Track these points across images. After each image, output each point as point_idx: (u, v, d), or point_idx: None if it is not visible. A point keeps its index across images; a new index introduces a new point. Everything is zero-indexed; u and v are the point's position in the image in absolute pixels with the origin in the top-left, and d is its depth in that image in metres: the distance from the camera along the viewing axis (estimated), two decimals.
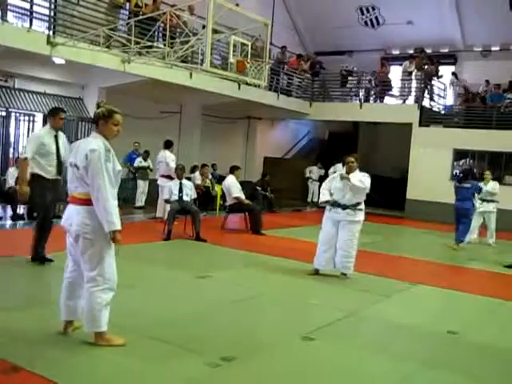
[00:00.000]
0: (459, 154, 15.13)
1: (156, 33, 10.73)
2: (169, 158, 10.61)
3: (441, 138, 14.96)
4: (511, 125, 14.10)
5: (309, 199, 17.65)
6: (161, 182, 10.57)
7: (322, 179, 7.57)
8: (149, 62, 9.95)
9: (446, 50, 18.87)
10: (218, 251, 8.27)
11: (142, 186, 12.56)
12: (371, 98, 17.10)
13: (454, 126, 15.58)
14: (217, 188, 12.94)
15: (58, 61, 10.14)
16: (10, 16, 9.59)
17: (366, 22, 19.24)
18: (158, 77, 11.13)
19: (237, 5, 10.64)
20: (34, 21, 9.79)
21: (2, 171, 11.04)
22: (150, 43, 9.97)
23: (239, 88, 13.49)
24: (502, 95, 15.57)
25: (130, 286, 5.17)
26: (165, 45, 9.83)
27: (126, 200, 11.82)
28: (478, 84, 16.99)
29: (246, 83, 12.16)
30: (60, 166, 5.92)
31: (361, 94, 16.97)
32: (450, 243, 9.92)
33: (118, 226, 3.60)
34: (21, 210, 9.83)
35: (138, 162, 12.69)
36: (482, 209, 10.32)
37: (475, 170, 11.73)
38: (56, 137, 5.95)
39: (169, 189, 9.19)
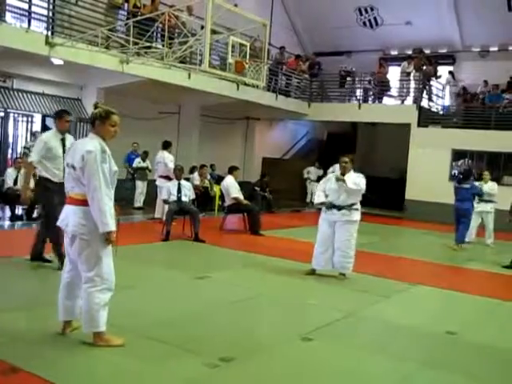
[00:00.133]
0: (458, 155, 15.14)
1: (154, 33, 10.73)
2: (167, 159, 10.61)
3: (439, 138, 14.97)
4: (510, 125, 14.11)
5: (307, 200, 17.66)
6: (159, 182, 10.56)
7: (320, 179, 7.59)
8: (147, 62, 9.95)
9: (445, 51, 18.89)
10: (217, 252, 8.26)
11: (141, 187, 12.55)
12: (370, 99, 17.11)
13: (453, 126, 15.59)
14: (215, 188, 12.93)
15: (57, 61, 10.13)
16: (8, 16, 9.59)
17: (364, 23, 19.26)
18: (156, 77, 11.13)
19: (235, 5, 10.63)
20: (33, 21, 9.80)
21: (0, 172, 11.02)
22: (148, 44, 9.97)
23: (238, 88, 13.49)
24: (500, 95, 15.59)
25: (129, 286, 5.17)
26: (163, 45, 9.83)
27: (125, 200, 11.80)
28: (477, 84, 17.01)
29: (245, 84, 12.17)
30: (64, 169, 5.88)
31: (359, 94, 16.97)
32: (450, 244, 9.93)
33: (112, 227, 3.61)
34: (19, 210, 9.82)
35: (137, 162, 12.68)
36: (479, 209, 10.33)
37: (474, 171, 11.71)
38: (63, 140, 5.85)
39: (167, 189, 9.18)
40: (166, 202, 9.22)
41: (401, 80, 16.82)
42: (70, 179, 3.76)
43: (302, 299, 5.63)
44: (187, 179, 10.83)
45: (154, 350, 3.80)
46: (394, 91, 16.97)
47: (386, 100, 17.05)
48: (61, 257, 5.58)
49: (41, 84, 11.74)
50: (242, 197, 10.30)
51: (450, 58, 19.00)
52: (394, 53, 19.76)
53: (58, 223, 3.83)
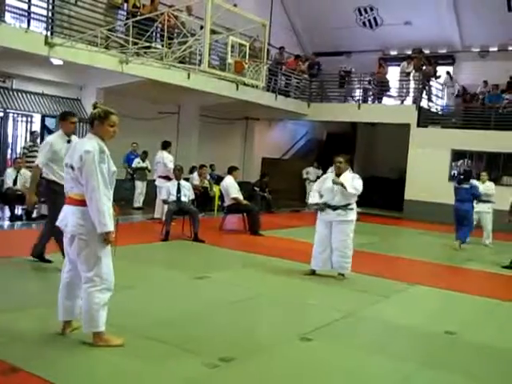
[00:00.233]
0: (457, 155, 15.15)
1: (154, 33, 10.72)
2: (166, 159, 10.60)
3: (439, 138, 14.98)
4: (509, 125, 14.11)
5: (307, 200, 17.62)
6: (159, 182, 10.56)
7: None
8: (147, 62, 9.95)
9: (444, 51, 18.90)
10: (216, 252, 8.27)
11: (140, 187, 12.55)
12: (369, 99, 17.12)
13: (452, 126, 15.60)
14: (215, 189, 12.93)
15: (56, 61, 10.13)
16: (7, 16, 9.58)
17: (364, 23, 19.27)
18: (155, 77, 11.13)
19: (235, 5, 10.64)
20: (32, 21, 9.79)
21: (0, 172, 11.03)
22: (147, 44, 9.96)
23: (237, 88, 13.49)
24: (500, 96, 15.60)
25: (128, 286, 5.17)
26: (163, 45, 9.83)
27: (124, 200, 11.80)
28: (476, 85, 17.02)
29: (244, 84, 12.16)
30: None
31: (359, 94, 16.97)
32: (451, 243, 9.95)
33: (110, 228, 3.61)
34: (19, 210, 9.82)
35: (136, 162, 12.68)
36: (477, 209, 10.34)
37: (473, 171, 11.74)
38: (69, 142, 5.76)
39: (167, 189, 9.18)
40: (165, 202, 9.22)
41: (400, 80, 16.83)
42: (68, 179, 3.77)
43: (302, 299, 5.63)
44: (187, 179, 10.83)
45: (154, 350, 3.81)
46: (393, 91, 16.98)
47: (385, 100, 17.06)
48: None
49: (40, 84, 11.74)
50: (241, 197, 10.30)
51: (449, 58, 19.01)
52: (394, 53, 19.77)
53: (57, 223, 3.83)
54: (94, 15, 10.38)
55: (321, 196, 6.60)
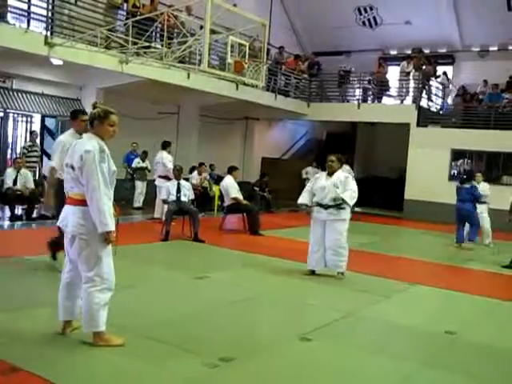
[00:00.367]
0: (457, 154, 15.15)
1: (154, 33, 10.72)
2: (166, 159, 10.61)
3: (439, 138, 14.98)
4: (509, 125, 14.11)
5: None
6: (158, 182, 10.57)
7: None
8: (146, 62, 9.95)
9: (444, 51, 18.90)
10: (216, 252, 8.27)
11: (140, 187, 12.55)
12: (369, 99, 17.11)
13: (452, 126, 15.59)
14: (215, 188, 12.94)
15: (56, 61, 10.13)
16: (7, 16, 9.57)
17: (363, 22, 19.26)
18: (155, 77, 11.13)
19: (234, 5, 10.64)
20: (32, 21, 9.79)
21: (0, 172, 11.02)
22: (147, 44, 9.96)
23: (237, 88, 13.49)
24: (500, 95, 15.59)
25: (128, 286, 5.17)
26: (162, 45, 9.83)
27: (124, 200, 11.81)
28: (476, 84, 17.02)
29: (244, 84, 12.16)
30: None
31: (358, 94, 16.97)
32: (452, 243, 10.01)
33: (111, 227, 3.61)
34: (19, 210, 9.83)
35: (136, 162, 12.68)
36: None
37: (474, 171, 11.76)
38: None
39: (166, 189, 9.18)
40: (165, 201, 9.22)
41: (400, 80, 16.82)
42: (69, 179, 3.77)
43: (302, 299, 5.63)
44: (186, 179, 10.83)
45: (154, 350, 3.81)
46: (393, 91, 16.97)
47: (385, 100, 17.05)
48: None
49: (40, 84, 11.74)
50: (241, 197, 10.30)
51: (449, 58, 19.01)
52: (394, 52, 19.77)
53: (58, 223, 3.84)
54: (93, 15, 10.37)
55: (313, 195, 6.62)
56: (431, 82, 16.65)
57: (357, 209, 14.96)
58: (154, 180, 10.89)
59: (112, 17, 11.07)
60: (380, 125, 17.18)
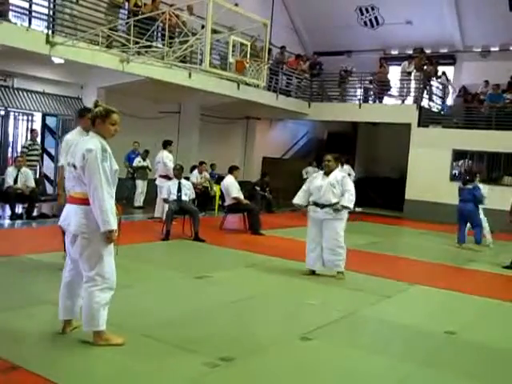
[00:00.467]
0: (458, 155, 15.13)
1: (155, 32, 10.72)
2: (166, 158, 10.61)
3: (440, 138, 14.96)
4: (510, 125, 14.09)
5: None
6: (159, 182, 10.57)
7: None
8: (148, 61, 9.94)
9: (446, 51, 18.87)
10: (217, 251, 8.27)
11: (141, 186, 12.56)
12: (370, 99, 17.10)
13: (453, 126, 15.58)
14: (215, 188, 12.93)
15: (57, 60, 10.13)
16: (9, 15, 9.57)
17: (365, 22, 19.25)
18: (157, 77, 11.13)
19: (236, 5, 10.63)
20: (34, 20, 9.79)
21: (0, 171, 11.03)
22: (149, 43, 9.96)
23: (238, 88, 13.48)
24: (501, 95, 15.58)
25: (129, 285, 5.18)
26: (164, 44, 9.82)
27: (125, 199, 11.81)
28: (477, 84, 17.00)
29: (245, 83, 12.16)
30: None
31: (360, 94, 16.95)
32: (454, 244, 10.04)
33: (114, 226, 3.61)
34: (19, 209, 9.83)
35: (137, 161, 12.68)
36: None
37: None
38: None
39: (167, 188, 9.18)
40: (166, 201, 9.22)
41: (401, 80, 16.81)
42: (71, 178, 3.76)
43: (302, 299, 5.63)
44: (187, 178, 10.83)
45: (154, 350, 3.81)
46: (394, 91, 16.95)
47: (386, 100, 17.03)
48: None
49: (41, 83, 11.75)
50: (242, 196, 10.30)
51: (450, 58, 18.99)
52: (395, 52, 19.74)
53: (60, 223, 3.83)
54: (95, 14, 10.37)
55: (310, 194, 6.65)
56: (432, 82, 16.63)
57: (357, 209, 15.03)
58: (155, 179, 10.89)
59: (113, 16, 11.07)
60: (381, 125, 17.18)
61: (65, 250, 4.00)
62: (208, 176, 13.46)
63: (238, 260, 7.68)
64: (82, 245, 3.67)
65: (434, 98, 16.84)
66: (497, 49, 17.98)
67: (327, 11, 18.67)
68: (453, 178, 14.57)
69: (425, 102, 16.05)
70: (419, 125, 15.45)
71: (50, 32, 9.61)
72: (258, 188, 14.31)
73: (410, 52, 17.98)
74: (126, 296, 4.74)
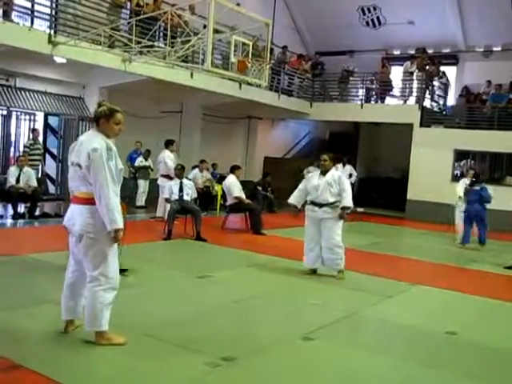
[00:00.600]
0: (460, 155, 15.12)
1: (157, 32, 10.72)
2: (167, 158, 10.61)
3: (442, 138, 14.94)
4: None
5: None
6: (161, 181, 10.58)
7: None
8: (150, 61, 9.94)
9: (448, 51, 18.84)
10: (219, 251, 8.27)
11: (143, 186, 12.57)
12: (372, 99, 17.09)
13: (455, 126, 15.56)
14: (217, 188, 12.94)
15: (59, 60, 10.14)
16: (11, 15, 9.58)
17: (367, 22, 19.22)
18: (158, 76, 11.13)
19: (238, 4, 10.65)
20: (36, 20, 9.80)
21: (2, 170, 11.04)
22: (150, 43, 9.96)
23: (240, 88, 13.48)
24: (503, 95, 15.55)
25: (130, 285, 5.18)
26: (166, 44, 9.83)
27: (127, 198, 11.81)
28: (480, 84, 16.98)
29: (247, 83, 12.15)
30: None
31: (361, 94, 16.94)
32: (457, 244, 10.08)
33: (120, 224, 3.61)
34: (22, 208, 9.85)
35: (139, 161, 12.69)
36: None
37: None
38: None
39: (169, 188, 9.19)
40: (167, 200, 9.22)
41: (403, 80, 16.79)
42: (75, 178, 3.73)
43: (304, 299, 5.63)
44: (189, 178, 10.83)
45: (156, 349, 3.81)
46: (396, 91, 16.93)
47: (388, 100, 17.01)
48: None
49: (43, 82, 11.76)
50: (243, 196, 10.30)
51: (453, 58, 18.94)
52: (397, 52, 19.71)
53: (64, 223, 3.81)
54: (97, 14, 10.38)
55: (307, 194, 6.69)
56: (434, 82, 16.61)
57: (359, 209, 15.04)
58: (157, 179, 10.90)
59: (115, 15, 11.07)
60: (383, 125, 17.16)
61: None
62: (209, 175, 13.47)
63: (239, 260, 7.68)
64: (87, 244, 3.66)
65: (436, 98, 16.82)
66: (499, 49, 17.93)
67: (329, 11, 18.66)
68: (455, 178, 14.55)
69: (427, 102, 16.04)
70: (421, 125, 15.44)
71: (52, 32, 9.62)
72: (259, 188, 14.31)
73: (412, 52, 17.96)
74: (127, 296, 4.74)
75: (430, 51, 17.82)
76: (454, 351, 4.40)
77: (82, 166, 3.64)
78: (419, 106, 15.54)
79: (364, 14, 19.08)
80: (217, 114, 16.27)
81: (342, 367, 3.86)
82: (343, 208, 6.46)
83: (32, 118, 12.11)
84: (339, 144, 18.12)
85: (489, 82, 16.50)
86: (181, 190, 9.07)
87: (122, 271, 5.73)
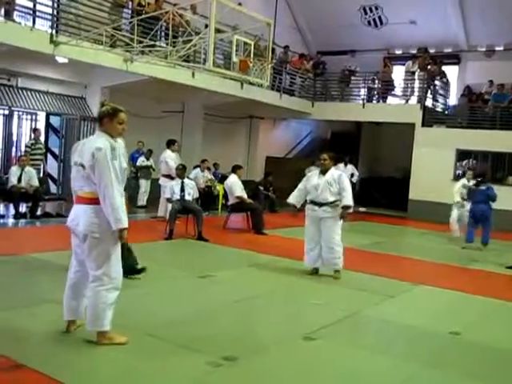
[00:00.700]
0: (462, 155, 15.09)
1: (159, 32, 10.72)
2: (168, 157, 10.61)
3: (444, 138, 14.92)
4: None
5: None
6: (162, 181, 10.58)
7: None
8: (151, 61, 9.94)
9: (450, 50, 18.80)
10: (220, 251, 8.27)
11: (145, 186, 12.57)
12: (374, 98, 17.07)
13: (457, 126, 15.54)
14: (219, 187, 12.93)
15: (61, 60, 10.15)
16: (13, 15, 9.59)
17: (368, 22, 19.20)
18: (160, 76, 11.13)
19: (239, 4, 10.63)
20: (38, 20, 9.81)
21: (4, 170, 11.05)
22: (152, 42, 9.96)
23: (242, 87, 13.48)
24: (506, 95, 15.52)
25: (132, 285, 5.18)
26: (167, 44, 9.83)
27: (129, 198, 11.81)
28: (482, 84, 16.95)
29: (249, 82, 12.15)
30: None
31: (363, 93, 16.92)
32: (475, 245, 10.05)
33: (125, 224, 3.60)
34: (23, 208, 9.85)
35: (141, 161, 12.69)
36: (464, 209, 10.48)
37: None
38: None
39: (170, 188, 9.18)
40: (169, 200, 9.22)
41: (405, 79, 16.76)
42: (78, 178, 3.72)
43: (305, 298, 5.62)
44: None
45: (157, 349, 3.81)
46: (398, 91, 16.91)
47: (390, 99, 17.00)
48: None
49: (45, 82, 11.77)
50: (245, 196, 10.30)
51: (455, 58, 18.92)
52: (399, 52, 19.68)
53: (68, 223, 3.80)
54: (99, 13, 10.39)
55: (306, 193, 6.70)
56: (436, 82, 16.58)
57: (361, 209, 15.02)
58: (159, 179, 10.90)
59: (117, 15, 11.07)
60: (385, 124, 17.15)
61: None
62: (211, 175, 13.46)
63: (241, 259, 7.68)
64: (91, 244, 3.65)
65: (438, 97, 16.79)
66: (501, 48, 17.89)
67: (331, 11, 18.64)
68: (457, 178, 14.52)
69: (429, 102, 16.01)
70: (423, 124, 15.42)
71: (54, 31, 9.63)
72: (261, 187, 14.30)
73: (414, 52, 17.94)
74: (129, 295, 4.74)
75: (431, 51, 17.80)
76: (457, 351, 4.39)
77: (86, 165, 3.63)
78: (421, 106, 15.52)
79: (366, 13, 19.06)
80: (218, 113, 16.26)
81: (343, 367, 3.85)
82: (344, 207, 6.45)
83: (34, 117, 12.12)
84: (341, 144, 18.10)
85: (491, 81, 16.47)
86: (182, 189, 9.07)
87: (138, 272, 5.75)
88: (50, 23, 9.85)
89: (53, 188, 12.27)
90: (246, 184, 11.29)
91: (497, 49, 18.03)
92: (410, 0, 17.43)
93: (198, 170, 12.95)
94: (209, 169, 13.64)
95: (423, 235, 12.05)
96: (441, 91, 16.96)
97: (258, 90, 13.83)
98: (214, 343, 4.02)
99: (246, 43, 8.98)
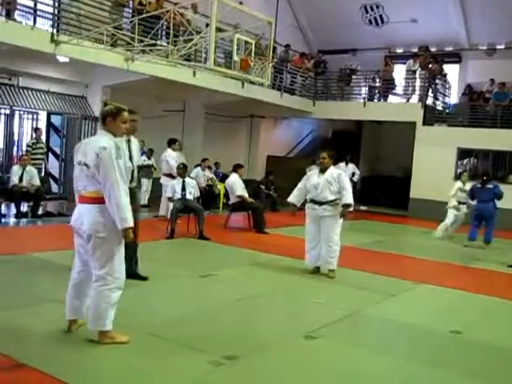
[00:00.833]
0: (463, 153, 15.08)
1: (159, 31, 10.71)
2: (169, 157, 10.60)
3: (445, 136, 14.91)
4: None
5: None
6: (163, 180, 10.58)
7: None
8: (152, 60, 9.94)
9: (451, 49, 18.79)
10: (221, 250, 8.27)
11: (146, 185, 12.56)
12: (375, 97, 17.06)
13: (459, 124, 15.52)
14: (220, 186, 12.93)
15: (62, 59, 10.15)
16: (14, 14, 9.59)
17: (370, 21, 19.18)
18: (161, 75, 11.13)
19: (240, 3, 10.62)
20: (38, 19, 9.81)
21: (5, 169, 11.06)
22: (153, 41, 9.96)
23: (243, 86, 13.47)
24: (507, 94, 15.50)
25: (133, 284, 5.17)
26: (168, 43, 9.82)
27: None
28: (483, 83, 16.93)
29: (250, 81, 12.14)
30: (132, 173, 5.15)
31: (364, 92, 16.91)
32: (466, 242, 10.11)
33: (131, 223, 3.60)
34: (24, 208, 9.86)
35: (142, 160, 12.68)
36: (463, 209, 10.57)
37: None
38: (128, 142, 5.31)
39: (171, 187, 9.19)
40: (170, 199, 9.22)
41: (406, 78, 16.74)
42: (82, 177, 3.71)
43: (306, 297, 5.62)
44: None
45: (159, 348, 3.81)
46: (399, 89, 16.90)
47: (391, 98, 16.98)
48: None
49: (46, 81, 11.76)
50: (246, 195, 10.30)
51: (456, 57, 18.90)
52: (400, 51, 19.66)
53: (71, 223, 3.79)
54: (99, 13, 10.38)
55: (306, 192, 6.72)
56: (437, 81, 16.56)
57: (362, 207, 15.02)
58: (160, 178, 10.90)
59: (118, 14, 11.06)
60: (386, 123, 17.13)
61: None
62: (211, 174, 13.45)
63: (242, 258, 7.68)
64: (96, 244, 3.65)
65: (439, 96, 16.77)
66: (502, 47, 17.87)
67: (332, 9, 18.62)
68: (458, 176, 14.51)
69: (430, 101, 15.99)
70: (424, 123, 15.40)
71: (55, 31, 9.62)
72: (262, 186, 14.30)
73: (415, 50, 17.91)
74: (131, 294, 4.74)
75: (432, 49, 17.78)
76: (458, 350, 4.39)
77: (90, 165, 3.62)
78: (422, 105, 15.50)
79: (367, 12, 19.04)
80: (219, 112, 16.25)
81: (344, 366, 3.85)
82: (344, 205, 6.45)
83: (35, 117, 12.12)
84: (342, 142, 18.09)
85: (492, 80, 16.45)
86: (183, 188, 9.07)
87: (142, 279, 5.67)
88: (50, 22, 9.84)
89: (54, 187, 12.27)
90: (247, 183, 11.29)
91: (498, 47, 18.00)
92: None
93: (199, 169, 12.95)
94: (210, 168, 13.64)
95: (424, 234, 12.03)
96: (442, 90, 16.94)
97: (258, 89, 13.82)
98: (215, 342, 4.02)
99: (246, 42, 8.97)
